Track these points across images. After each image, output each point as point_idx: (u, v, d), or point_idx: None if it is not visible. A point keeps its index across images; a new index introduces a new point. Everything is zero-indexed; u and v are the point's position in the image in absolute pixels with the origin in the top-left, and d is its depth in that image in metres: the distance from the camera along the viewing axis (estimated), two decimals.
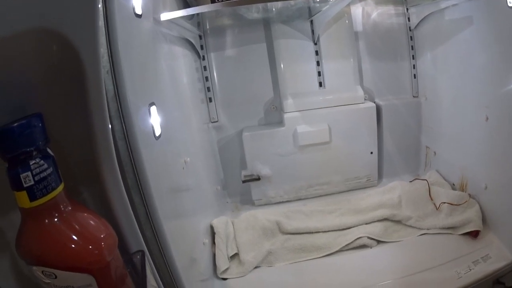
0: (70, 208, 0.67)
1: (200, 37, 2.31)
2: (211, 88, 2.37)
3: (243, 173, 2.35)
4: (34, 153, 0.61)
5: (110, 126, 0.85)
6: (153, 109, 1.25)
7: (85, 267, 0.65)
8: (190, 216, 1.65)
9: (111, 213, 0.86)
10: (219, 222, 1.97)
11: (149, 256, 1.05)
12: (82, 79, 0.74)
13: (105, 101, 0.82)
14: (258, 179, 2.34)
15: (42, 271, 0.65)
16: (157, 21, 1.53)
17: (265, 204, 2.42)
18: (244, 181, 2.34)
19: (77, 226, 0.66)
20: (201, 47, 2.32)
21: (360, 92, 2.43)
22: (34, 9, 0.64)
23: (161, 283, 1.10)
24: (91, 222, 0.69)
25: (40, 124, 0.64)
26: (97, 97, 0.79)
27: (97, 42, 0.77)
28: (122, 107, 1.02)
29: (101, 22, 0.95)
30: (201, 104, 2.33)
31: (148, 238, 1.10)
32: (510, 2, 1.46)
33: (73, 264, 0.64)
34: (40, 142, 0.63)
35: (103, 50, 0.96)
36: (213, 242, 1.90)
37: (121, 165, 0.97)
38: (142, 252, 0.91)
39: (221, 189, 2.44)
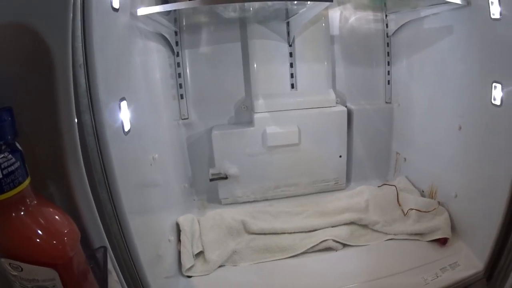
0: (35, 202, 0.67)
1: (176, 33, 2.30)
2: (183, 85, 2.36)
3: (211, 171, 2.36)
4: (3, 147, 0.61)
5: (76, 121, 0.85)
6: (124, 104, 1.24)
7: (48, 261, 0.65)
8: (157, 213, 1.64)
9: (75, 209, 0.86)
10: (185, 220, 1.96)
11: (113, 252, 1.05)
12: (51, 74, 0.74)
13: (72, 96, 0.81)
14: (226, 178, 2.35)
15: (10, 264, 0.65)
16: (133, 15, 1.52)
17: (232, 203, 2.43)
18: (211, 180, 2.34)
19: (41, 221, 0.66)
20: (176, 43, 2.31)
21: (332, 96, 2.46)
22: (4, 3, 0.64)
23: (123, 279, 1.09)
24: (55, 217, 0.69)
25: (10, 118, 0.64)
26: (65, 92, 0.79)
27: (68, 37, 0.77)
28: (92, 101, 1.01)
29: (75, 16, 0.94)
30: (173, 100, 2.32)
31: (114, 234, 1.09)
32: (493, 14, 1.49)
33: (37, 258, 0.64)
34: (9, 136, 0.63)
35: (77, 43, 0.95)
36: (179, 240, 1.90)
37: (88, 160, 0.97)
38: (105, 248, 0.92)
39: (188, 187, 2.43)
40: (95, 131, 1.00)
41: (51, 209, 0.69)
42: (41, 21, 0.69)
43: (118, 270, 1.06)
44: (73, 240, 0.69)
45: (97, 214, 0.93)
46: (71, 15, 0.83)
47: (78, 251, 0.72)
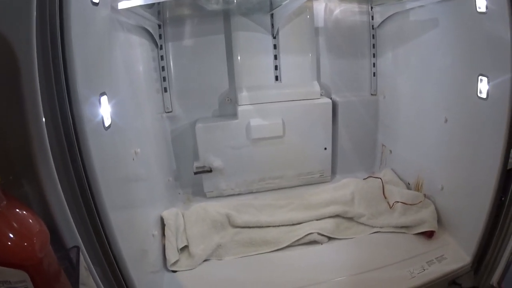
0: (5, 203, 0.66)
1: (159, 26, 2.28)
2: (166, 78, 2.35)
3: (195, 164, 2.35)
4: None
5: (44, 120, 0.84)
6: (104, 99, 1.22)
7: (17, 263, 0.64)
8: (140, 208, 1.63)
9: (46, 209, 0.85)
10: (169, 214, 1.96)
11: (92, 250, 1.04)
12: (15, 71, 0.73)
13: (39, 95, 0.80)
14: (210, 171, 2.35)
15: None
16: (114, 9, 1.50)
17: (217, 196, 2.43)
18: (196, 173, 2.34)
19: (11, 222, 0.65)
20: (160, 36, 2.29)
21: (317, 88, 2.46)
22: None
23: (99, 276, 1.08)
24: (25, 218, 0.68)
25: None
26: (30, 90, 0.78)
27: (31, 34, 0.76)
28: (71, 97, 0.99)
29: (52, 11, 0.93)
30: (156, 94, 2.31)
31: (94, 231, 1.08)
32: (479, 7, 1.48)
33: (6, 259, 0.63)
34: None
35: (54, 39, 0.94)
36: (164, 234, 1.89)
37: (65, 157, 0.95)
38: (77, 247, 0.91)
39: (173, 180, 2.43)
40: (72, 127, 0.99)
41: (20, 211, 0.68)
42: (2, 19, 0.68)
43: (93, 268, 1.04)
44: (43, 241, 0.69)
45: (69, 214, 0.92)
46: (35, 13, 0.82)
47: (48, 252, 0.71)
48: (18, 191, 0.80)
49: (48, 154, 0.84)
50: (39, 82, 0.85)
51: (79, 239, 0.95)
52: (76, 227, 0.96)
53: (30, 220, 0.68)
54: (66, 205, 0.91)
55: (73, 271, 0.83)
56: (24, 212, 0.69)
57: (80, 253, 0.90)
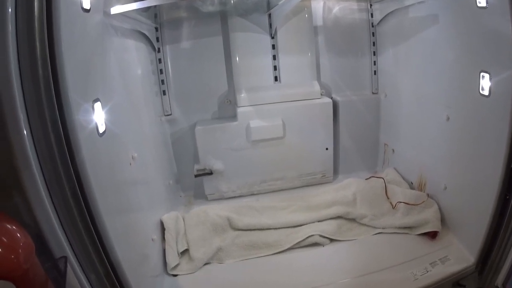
0: None
1: (156, 29, 2.27)
2: (165, 81, 2.35)
3: (196, 167, 2.35)
4: None
5: (25, 133, 0.85)
6: (98, 105, 1.22)
7: (4, 274, 0.64)
8: (139, 212, 1.62)
9: (33, 221, 0.85)
10: (169, 218, 1.95)
11: (87, 258, 1.04)
12: None
13: (18, 108, 0.81)
14: (211, 173, 2.34)
15: None
16: (107, 14, 1.49)
17: (218, 199, 2.43)
18: (196, 176, 2.33)
19: None
20: (157, 39, 2.29)
21: (317, 87, 2.45)
22: None
23: (85, 285, 1.08)
24: (11, 230, 0.69)
25: None
26: (9, 104, 0.78)
27: (7, 46, 0.76)
28: (63, 105, 0.99)
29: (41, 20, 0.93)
30: (155, 97, 2.30)
31: (89, 238, 1.08)
32: (479, 2, 1.46)
33: None
34: None
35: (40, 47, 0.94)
36: (164, 238, 1.88)
37: (56, 167, 0.95)
38: (65, 257, 0.91)
39: (173, 184, 2.42)
40: (63, 135, 0.98)
41: (6, 223, 0.68)
42: None
43: (81, 276, 1.03)
44: (28, 253, 0.69)
45: (56, 226, 0.92)
46: (10, 24, 0.84)
47: (34, 263, 0.71)
48: (4, 204, 0.80)
49: (32, 167, 0.84)
50: (28, 93, 0.86)
51: (67, 249, 0.95)
52: (68, 236, 0.96)
53: (16, 233, 0.69)
54: (52, 217, 0.91)
55: (61, 280, 0.83)
56: (10, 225, 0.69)
57: (68, 263, 0.89)
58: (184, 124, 2.44)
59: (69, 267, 0.90)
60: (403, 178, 2.33)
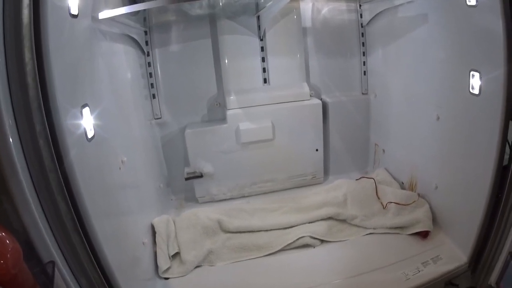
0: None
1: (145, 32, 2.28)
2: (155, 85, 2.35)
3: (186, 170, 2.35)
4: None
5: (11, 140, 0.85)
6: (86, 110, 1.22)
7: None
8: (128, 216, 1.63)
9: (20, 227, 0.85)
10: (159, 221, 1.95)
11: (76, 262, 1.04)
12: None
13: (3, 113, 0.82)
14: (201, 176, 2.34)
15: None
16: (96, 19, 1.49)
17: (209, 201, 2.43)
18: (187, 179, 2.34)
19: None
20: (146, 43, 2.29)
21: (306, 89, 2.46)
22: None
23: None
24: None
25: None
26: None
27: None
28: (52, 111, 1.00)
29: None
30: (145, 100, 2.31)
31: (78, 243, 1.08)
32: (469, 1, 1.46)
33: None
34: None
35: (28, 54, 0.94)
36: (155, 242, 1.88)
37: (45, 172, 0.95)
38: (53, 262, 0.91)
39: (164, 187, 2.42)
40: (51, 141, 0.99)
41: None
42: None
43: (69, 281, 1.04)
44: (15, 258, 0.69)
45: (43, 231, 0.93)
46: None
47: (22, 268, 0.72)
48: None
49: (18, 173, 0.84)
50: (15, 99, 0.86)
51: (55, 254, 0.95)
52: (58, 241, 0.97)
53: (4, 239, 0.69)
54: (40, 222, 0.91)
55: (49, 285, 0.83)
56: None
57: (56, 268, 0.90)
58: (174, 127, 2.44)
59: (57, 272, 0.90)
60: (394, 178, 2.34)
